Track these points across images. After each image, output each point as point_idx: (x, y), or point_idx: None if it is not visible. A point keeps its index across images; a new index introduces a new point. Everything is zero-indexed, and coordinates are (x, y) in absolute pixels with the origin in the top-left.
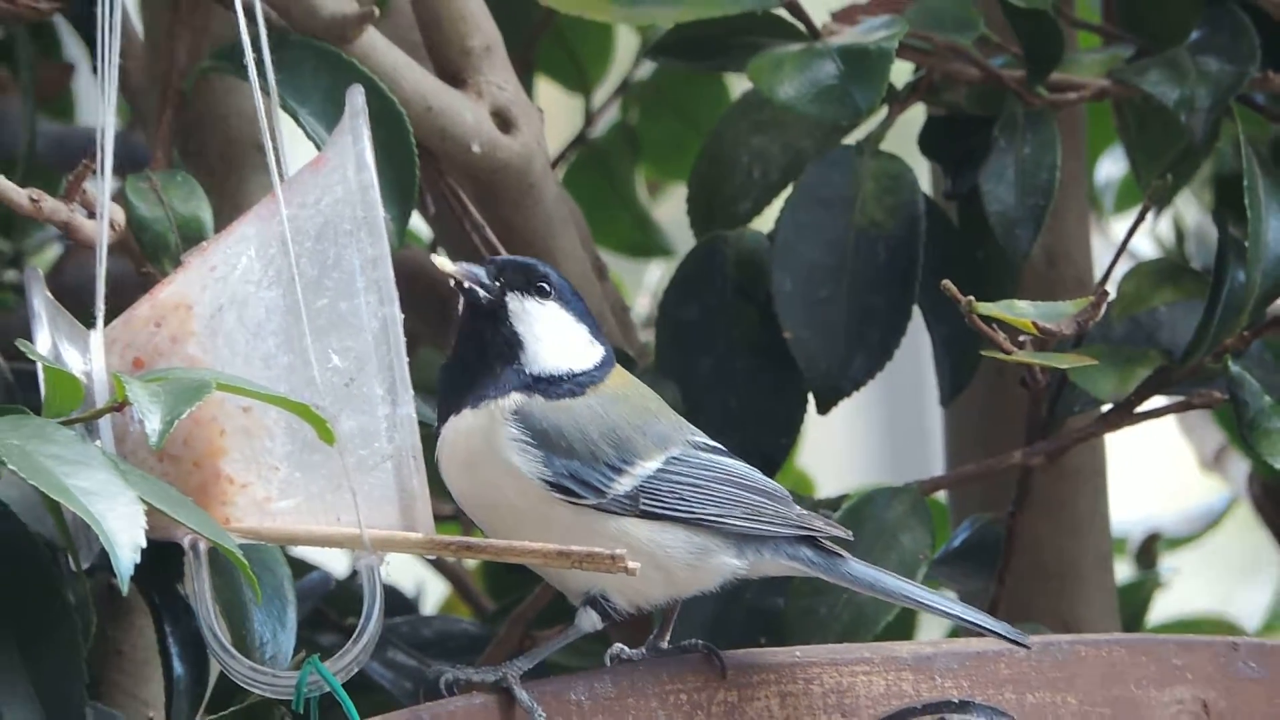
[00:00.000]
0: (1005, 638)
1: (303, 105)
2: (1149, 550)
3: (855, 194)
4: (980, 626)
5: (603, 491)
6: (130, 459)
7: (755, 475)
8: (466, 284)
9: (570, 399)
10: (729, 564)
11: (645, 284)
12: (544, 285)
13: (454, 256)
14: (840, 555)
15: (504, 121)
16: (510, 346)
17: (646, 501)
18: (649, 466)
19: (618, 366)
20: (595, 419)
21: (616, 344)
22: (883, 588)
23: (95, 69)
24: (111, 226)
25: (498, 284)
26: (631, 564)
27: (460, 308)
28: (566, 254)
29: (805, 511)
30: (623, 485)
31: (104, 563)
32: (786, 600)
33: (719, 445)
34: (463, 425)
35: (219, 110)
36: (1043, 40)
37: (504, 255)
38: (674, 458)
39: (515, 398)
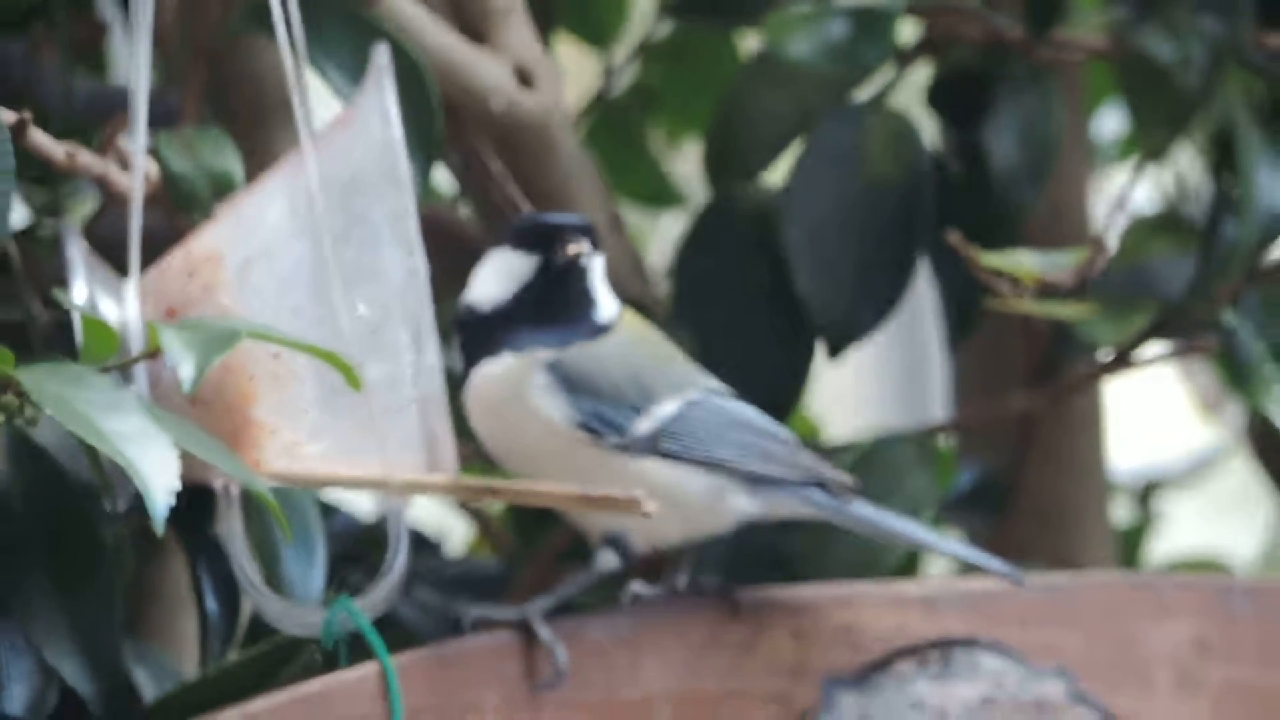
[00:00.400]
0: (1001, 574)
1: (329, 62)
2: (1146, 493)
3: (863, 149)
4: (979, 564)
5: (624, 431)
6: (164, 405)
7: (768, 421)
8: (585, 259)
9: (595, 343)
10: (743, 505)
11: (662, 236)
12: (596, 241)
13: (476, 209)
14: (848, 498)
15: (524, 78)
16: (588, 303)
17: (665, 443)
18: (669, 409)
19: (627, 309)
20: (619, 362)
21: (634, 294)
22: (888, 528)
23: (128, 27)
24: (145, 180)
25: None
26: (649, 506)
27: (530, 267)
28: (585, 207)
29: (814, 457)
30: (643, 426)
31: (139, 505)
32: (798, 540)
33: (730, 392)
34: (494, 371)
35: (249, 68)
36: (1043, 1)
37: (558, 215)
38: (692, 402)
39: (555, 348)
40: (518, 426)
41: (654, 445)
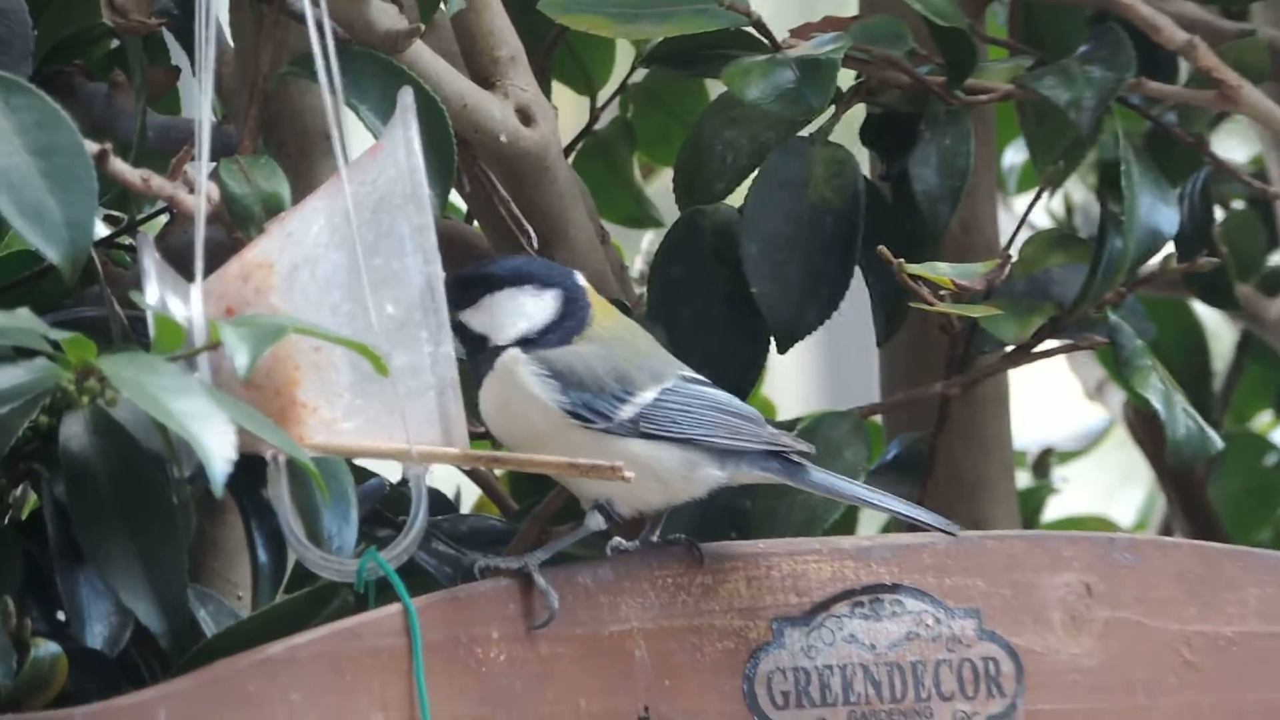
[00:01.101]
0: (937, 528)
1: (363, 103)
2: (1043, 463)
3: (808, 177)
4: (918, 519)
5: (609, 417)
6: (223, 389)
7: (734, 401)
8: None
9: (572, 344)
10: (714, 474)
11: (640, 248)
12: (498, 280)
13: (485, 227)
14: (803, 465)
15: (525, 117)
16: (479, 341)
17: (645, 425)
18: (647, 397)
19: (604, 307)
20: (600, 359)
21: (615, 295)
22: (837, 490)
23: (194, 72)
24: (208, 200)
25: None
26: (628, 473)
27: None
28: (576, 224)
29: (774, 430)
30: (626, 412)
31: (201, 472)
32: (753, 503)
33: (704, 378)
34: (501, 374)
35: (295, 107)
36: (959, 52)
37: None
38: (667, 389)
39: (514, 351)
40: (523, 417)
41: (636, 428)
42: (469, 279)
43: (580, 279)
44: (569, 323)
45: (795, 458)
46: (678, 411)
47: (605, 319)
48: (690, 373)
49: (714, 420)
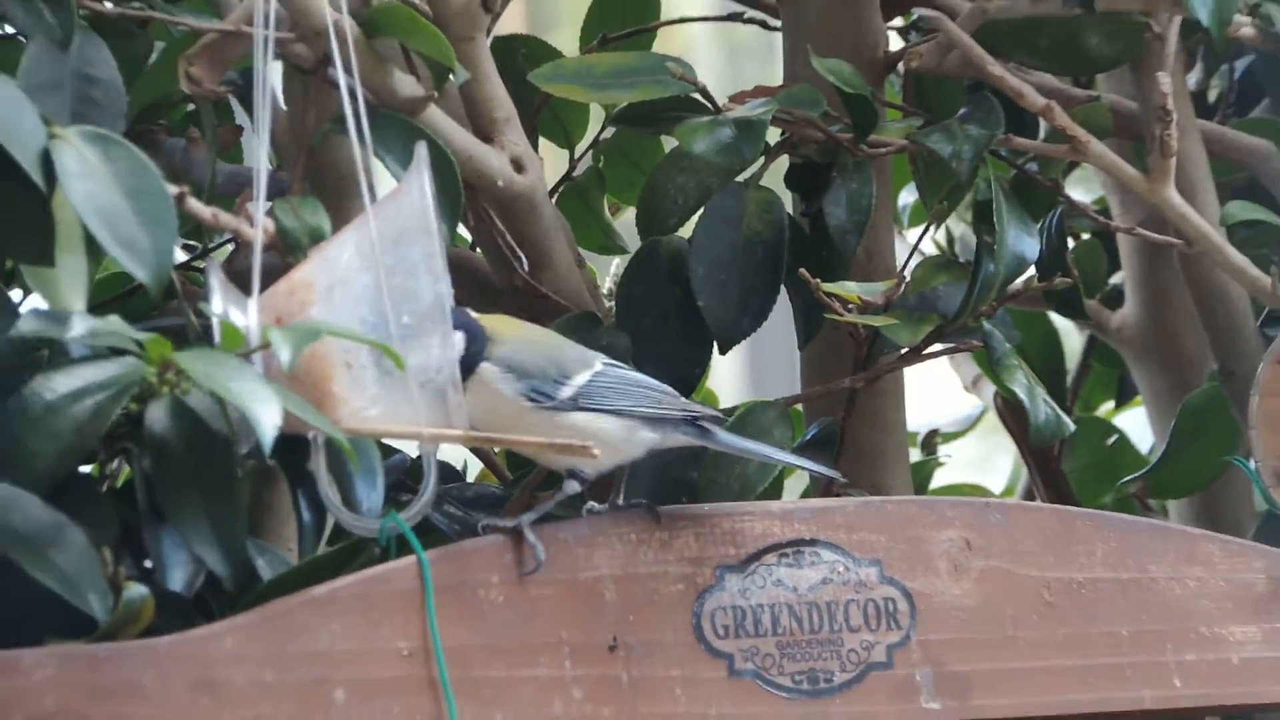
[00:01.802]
0: (824, 473)
1: (387, 154)
2: (931, 442)
3: (743, 214)
4: (804, 466)
5: (553, 397)
6: (275, 383)
7: (651, 380)
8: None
9: (501, 346)
10: (649, 436)
11: (609, 271)
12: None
13: (486, 253)
14: (714, 430)
15: (518, 166)
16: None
17: (583, 401)
18: (581, 380)
19: (504, 321)
20: (535, 353)
21: (590, 309)
22: (742, 447)
23: (254, 129)
24: (264, 232)
25: None
26: (595, 451)
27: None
28: (559, 252)
29: (688, 401)
30: (566, 392)
31: (257, 447)
32: (699, 474)
33: (625, 364)
34: (474, 375)
35: (333, 157)
36: (863, 114)
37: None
38: (597, 372)
39: (483, 364)
40: (491, 404)
41: (575, 404)
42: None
43: (470, 314)
44: (477, 344)
45: (706, 424)
46: (607, 389)
47: (513, 330)
48: (612, 361)
49: (639, 394)
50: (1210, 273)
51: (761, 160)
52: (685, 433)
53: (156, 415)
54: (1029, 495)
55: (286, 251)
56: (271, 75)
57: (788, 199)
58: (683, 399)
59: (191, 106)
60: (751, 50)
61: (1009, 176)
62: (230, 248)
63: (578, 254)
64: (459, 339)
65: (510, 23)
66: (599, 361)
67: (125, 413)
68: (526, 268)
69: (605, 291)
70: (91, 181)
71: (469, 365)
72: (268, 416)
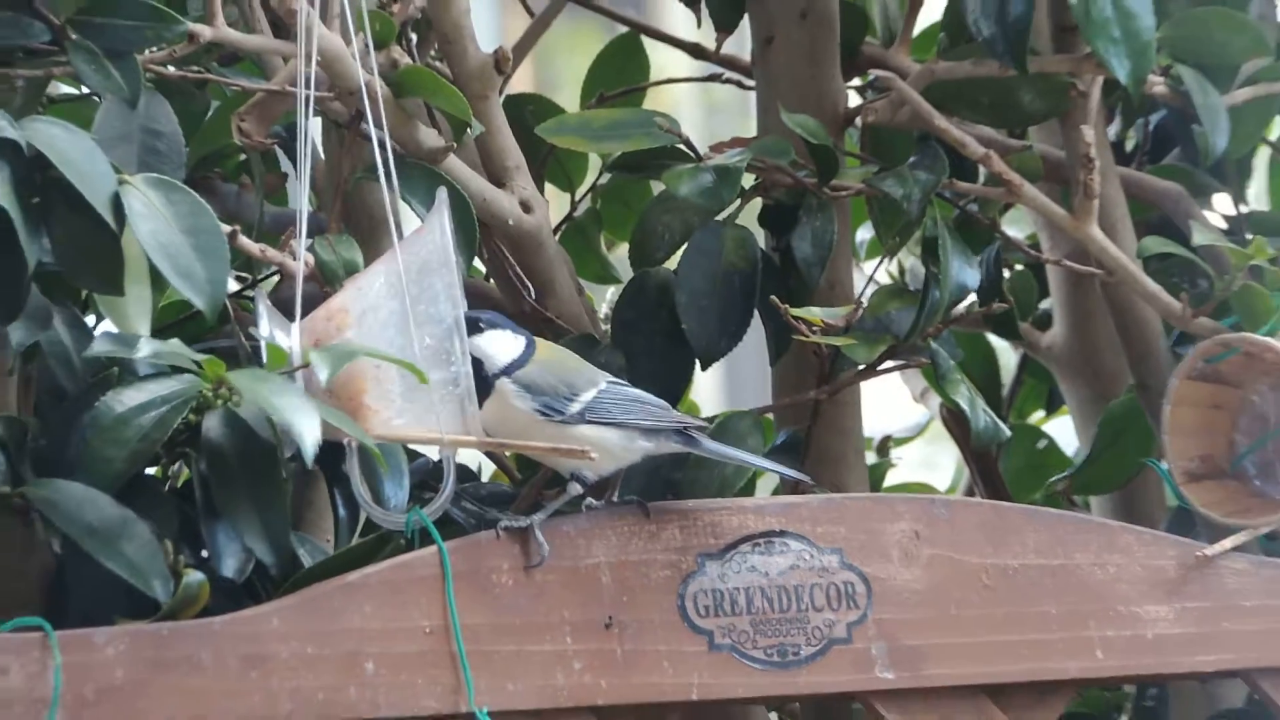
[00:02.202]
0: (795, 476)
1: (413, 197)
2: (884, 446)
3: (721, 248)
4: (778, 470)
5: (563, 412)
6: (314, 396)
7: (648, 396)
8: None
9: (526, 368)
10: (645, 445)
11: (605, 298)
12: (480, 325)
13: (498, 283)
14: (700, 439)
15: (526, 207)
16: (479, 362)
17: (590, 415)
18: (588, 396)
19: (541, 341)
20: (550, 374)
21: (588, 331)
22: (724, 453)
23: (296, 176)
24: (306, 265)
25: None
26: (593, 455)
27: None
28: (561, 282)
29: (679, 414)
30: (574, 408)
31: (298, 452)
32: (683, 475)
33: (626, 382)
34: (493, 396)
35: (366, 201)
36: (826, 162)
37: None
38: (601, 390)
39: (503, 379)
40: (507, 415)
41: (582, 417)
42: (476, 317)
43: (533, 336)
44: (527, 350)
45: (694, 434)
46: (612, 404)
47: (544, 353)
48: (614, 378)
49: (637, 409)
50: (1128, 299)
51: (738, 202)
52: (676, 441)
53: (212, 425)
54: (970, 492)
55: (325, 282)
56: (312, 129)
57: (761, 235)
58: (674, 411)
59: (243, 156)
60: (729, 107)
61: (953, 216)
62: (276, 279)
63: (578, 283)
64: (521, 345)
65: (519, 83)
66: (604, 380)
67: (185, 423)
68: (534, 295)
69: (602, 316)
70: (155, 221)
71: (500, 375)
72: (309, 431)
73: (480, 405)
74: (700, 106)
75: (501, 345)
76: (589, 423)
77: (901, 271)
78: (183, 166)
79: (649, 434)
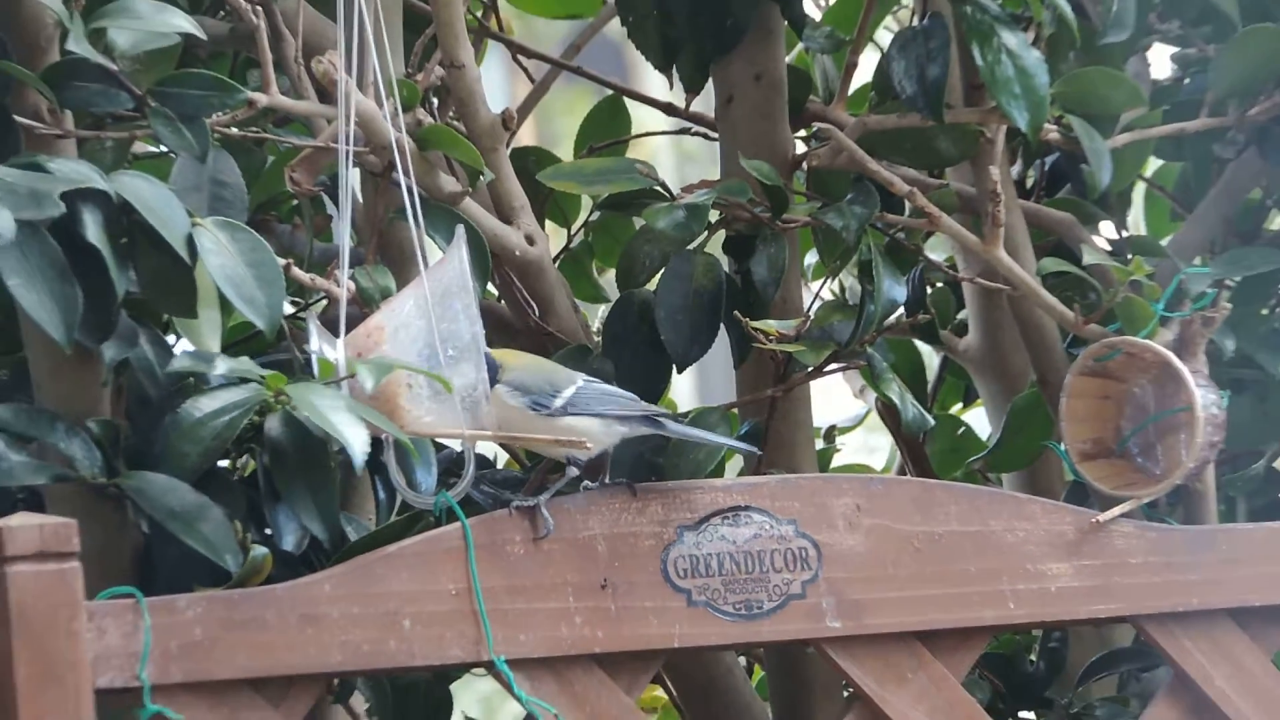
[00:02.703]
0: (747, 449)
1: (436, 234)
2: (830, 435)
3: (693, 273)
4: (736, 447)
5: (549, 406)
6: (357, 400)
7: (617, 390)
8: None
9: (512, 372)
10: (620, 430)
11: (597, 315)
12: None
13: (507, 304)
14: (665, 423)
15: (530, 240)
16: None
17: (571, 409)
18: (568, 393)
19: (511, 351)
20: (536, 375)
21: (583, 343)
22: (685, 433)
23: (339, 216)
24: (348, 291)
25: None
26: (588, 445)
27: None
28: (560, 302)
29: (646, 404)
30: (558, 402)
31: (344, 449)
32: (664, 460)
33: (598, 380)
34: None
35: (397, 237)
36: (778, 199)
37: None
38: (579, 387)
39: (497, 385)
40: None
41: (565, 410)
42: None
43: (486, 351)
44: (490, 373)
45: (659, 419)
46: (588, 399)
47: (516, 359)
48: (588, 378)
49: (610, 401)
50: (1030, 309)
51: (705, 233)
52: (646, 425)
53: (273, 425)
54: (902, 471)
55: (364, 304)
56: (352, 178)
57: (725, 261)
58: (642, 402)
59: (294, 202)
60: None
61: (884, 242)
62: (324, 303)
63: (574, 303)
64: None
65: (523, 137)
66: (580, 379)
67: (250, 423)
68: (537, 314)
69: (595, 330)
70: (223, 256)
71: (494, 378)
72: (356, 438)
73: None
74: (673, 155)
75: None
76: (571, 414)
77: (842, 289)
78: (245, 211)
79: (622, 420)
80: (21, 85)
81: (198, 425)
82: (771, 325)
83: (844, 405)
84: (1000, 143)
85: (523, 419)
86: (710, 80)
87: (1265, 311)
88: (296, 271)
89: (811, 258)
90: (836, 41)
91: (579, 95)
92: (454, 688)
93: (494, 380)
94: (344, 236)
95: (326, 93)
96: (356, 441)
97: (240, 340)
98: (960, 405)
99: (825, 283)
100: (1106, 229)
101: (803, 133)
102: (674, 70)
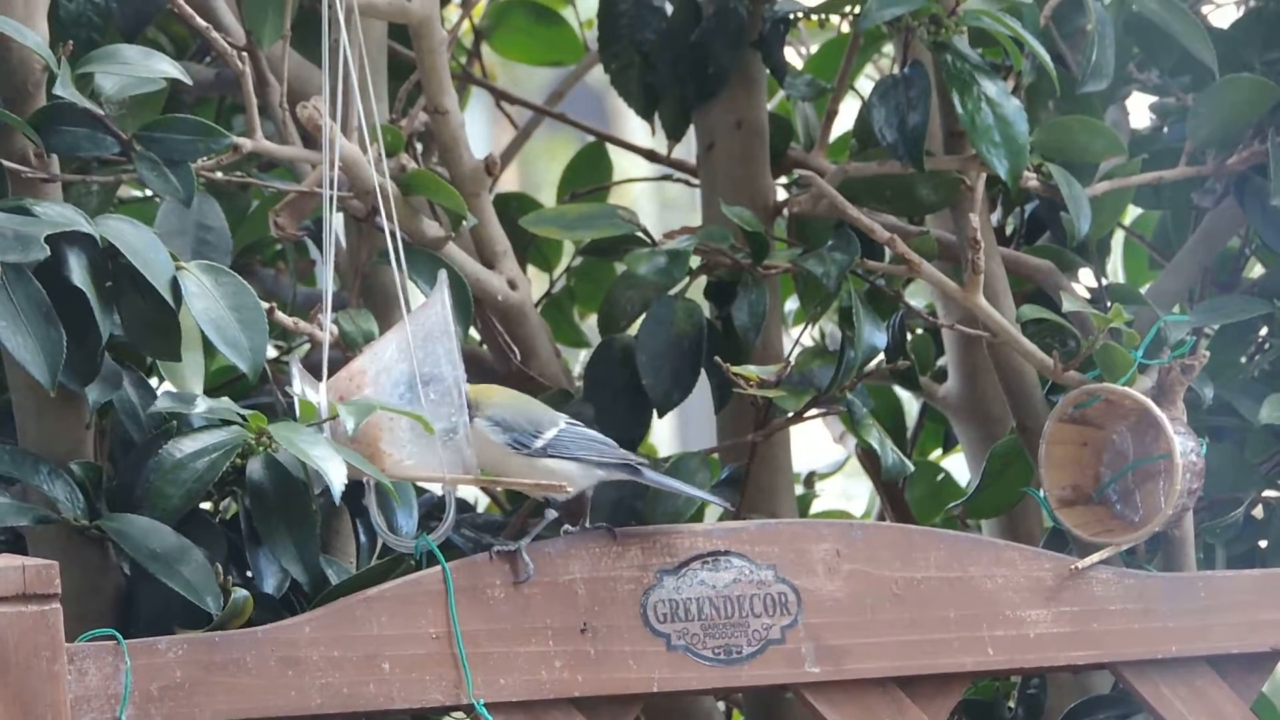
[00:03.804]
0: (721, 503)
1: (418, 278)
2: (810, 480)
3: (674, 318)
4: (706, 498)
5: (530, 446)
6: (337, 442)
7: (598, 434)
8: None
9: (492, 409)
10: (598, 474)
11: (579, 359)
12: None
13: (489, 348)
14: (642, 470)
15: (512, 285)
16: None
17: (551, 450)
18: (549, 434)
19: (485, 390)
20: (518, 413)
21: (564, 388)
22: (662, 483)
23: (322, 260)
24: (331, 335)
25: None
26: (568, 488)
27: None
28: (542, 347)
29: (624, 450)
30: (539, 443)
31: (326, 490)
32: (645, 505)
33: (580, 423)
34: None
35: (380, 281)
36: (759, 245)
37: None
38: (561, 430)
39: (476, 419)
40: (484, 449)
41: (546, 451)
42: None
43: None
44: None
45: (637, 465)
46: (570, 442)
47: (497, 395)
48: (571, 420)
49: (590, 446)
50: (1010, 356)
51: (686, 279)
52: (624, 472)
53: (255, 467)
54: (881, 517)
55: (346, 348)
56: (335, 223)
57: (706, 306)
58: (621, 449)
59: (279, 246)
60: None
61: (864, 289)
62: (307, 346)
63: (556, 347)
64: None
65: (506, 183)
66: (563, 420)
67: (232, 466)
68: (519, 358)
69: (576, 374)
70: (207, 300)
71: (476, 413)
72: (336, 475)
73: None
74: (655, 201)
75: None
76: (551, 456)
77: (822, 335)
78: (229, 255)
79: (600, 465)
80: (8, 129)
81: (179, 466)
82: (752, 371)
83: (824, 451)
84: (980, 190)
85: (501, 456)
86: (692, 127)
87: (1244, 359)
88: (280, 315)
89: (792, 304)
90: (817, 89)
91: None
92: None
93: (472, 415)
94: (327, 280)
95: (311, 138)
96: (336, 475)
97: (223, 384)
98: (940, 451)
99: (806, 328)
100: (1086, 276)
101: (784, 179)
102: (656, 117)
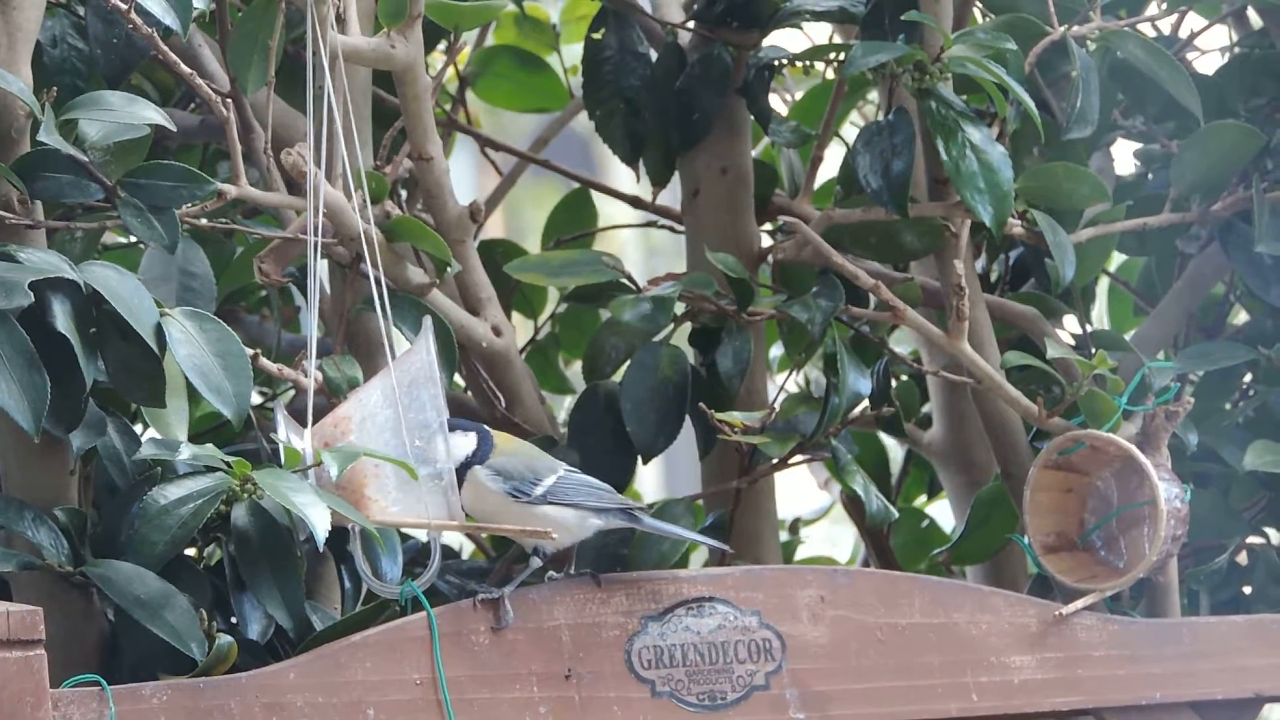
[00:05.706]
0: (716, 545)
1: (403, 324)
2: (795, 526)
3: (658, 364)
4: (704, 541)
5: (529, 495)
6: (323, 489)
7: (597, 481)
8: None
9: (495, 457)
10: (595, 523)
11: (563, 406)
12: (456, 430)
13: (474, 394)
14: (640, 517)
15: (497, 331)
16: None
17: (551, 498)
18: (549, 482)
19: (504, 438)
20: (519, 461)
21: (549, 434)
22: (659, 529)
23: (307, 307)
24: (316, 381)
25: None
26: (554, 536)
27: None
28: (527, 393)
29: (622, 497)
30: (538, 490)
31: (310, 536)
32: (629, 551)
33: (578, 470)
34: (468, 482)
35: (365, 327)
36: (744, 292)
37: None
38: (560, 477)
39: (476, 467)
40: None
41: (545, 499)
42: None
43: (487, 429)
44: (482, 446)
45: (636, 513)
46: (569, 489)
47: (506, 443)
48: (570, 467)
49: (588, 493)
50: (994, 402)
51: (671, 326)
52: (621, 519)
53: (239, 514)
54: (866, 564)
55: (331, 394)
56: (320, 269)
57: (690, 353)
58: (619, 495)
59: (263, 292)
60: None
61: (848, 335)
62: (291, 393)
63: (540, 394)
64: (474, 439)
65: (491, 229)
66: (561, 468)
67: (216, 512)
68: (504, 405)
69: (561, 421)
70: (191, 347)
71: (471, 464)
72: (319, 521)
73: (459, 489)
74: (640, 248)
75: (457, 443)
76: (550, 504)
77: (807, 382)
78: (213, 301)
79: (599, 513)
80: None
81: (163, 512)
82: (736, 417)
83: (808, 497)
84: (965, 237)
85: (499, 504)
86: (677, 174)
87: (1228, 405)
88: (264, 361)
89: (777, 350)
90: (802, 136)
91: (546, 188)
92: None
93: (482, 459)
94: (312, 327)
95: (295, 184)
96: (319, 522)
97: (208, 430)
98: (924, 498)
99: (790, 375)
100: (1070, 323)
101: (768, 226)
102: (640, 164)
